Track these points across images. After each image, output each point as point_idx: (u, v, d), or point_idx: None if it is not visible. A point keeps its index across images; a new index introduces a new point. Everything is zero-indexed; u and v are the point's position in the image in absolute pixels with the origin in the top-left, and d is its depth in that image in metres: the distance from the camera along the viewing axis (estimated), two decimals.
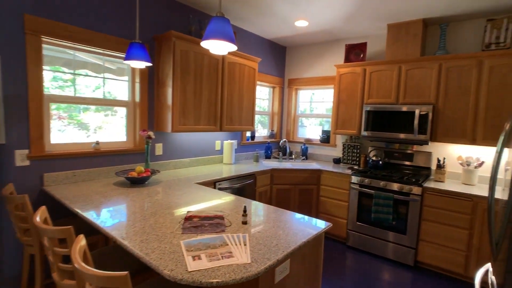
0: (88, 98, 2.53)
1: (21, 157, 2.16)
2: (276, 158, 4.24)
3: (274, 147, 4.56)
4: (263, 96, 4.46)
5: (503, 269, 1.55)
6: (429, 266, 2.84)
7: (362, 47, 3.53)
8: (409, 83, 3.09)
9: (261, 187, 3.40)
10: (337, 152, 4.06)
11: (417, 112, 2.94)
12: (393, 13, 2.94)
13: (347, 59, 3.64)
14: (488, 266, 1.88)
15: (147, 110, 2.86)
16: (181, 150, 3.25)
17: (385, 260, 3.04)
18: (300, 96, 4.58)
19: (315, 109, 4.43)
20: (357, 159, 3.73)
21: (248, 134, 4.14)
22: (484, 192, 2.56)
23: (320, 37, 3.93)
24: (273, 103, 4.58)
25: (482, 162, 2.79)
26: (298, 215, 1.79)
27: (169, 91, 2.72)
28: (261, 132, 4.52)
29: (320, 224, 1.66)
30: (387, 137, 3.19)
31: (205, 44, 1.76)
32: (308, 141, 4.33)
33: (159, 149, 3.03)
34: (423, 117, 2.93)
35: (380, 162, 3.38)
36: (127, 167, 2.75)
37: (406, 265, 2.93)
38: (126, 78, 2.79)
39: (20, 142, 2.13)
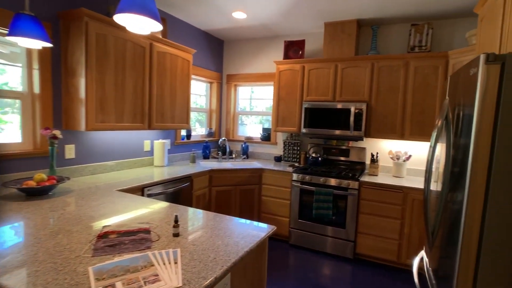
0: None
1: None
2: (215, 158, 3.98)
3: (213, 146, 4.28)
4: (200, 92, 4.15)
5: (437, 255, 1.57)
6: (367, 257, 2.93)
7: (300, 44, 3.51)
8: (345, 81, 3.17)
9: (198, 190, 3.09)
10: (278, 150, 3.99)
11: (352, 109, 3.02)
12: (329, 12, 2.97)
13: (286, 56, 3.59)
14: (422, 253, 1.95)
15: (52, 104, 2.31)
16: (100, 152, 2.74)
17: (326, 255, 3.05)
18: (239, 93, 4.39)
19: (255, 107, 4.30)
20: (298, 156, 3.71)
21: (184, 133, 3.78)
22: (413, 184, 2.74)
23: (259, 32, 3.81)
24: (211, 99, 4.30)
25: (410, 156, 3.00)
26: (240, 220, 1.57)
27: (82, 82, 2.24)
28: (199, 130, 4.20)
29: (263, 229, 1.47)
30: (325, 134, 3.21)
31: (119, 19, 1.41)
32: (249, 140, 4.17)
33: (70, 151, 2.49)
34: (358, 114, 3.02)
35: (319, 159, 3.40)
36: (26, 175, 2.17)
37: (346, 258, 2.97)
38: (20, 64, 2.19)
39: None
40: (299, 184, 3.16)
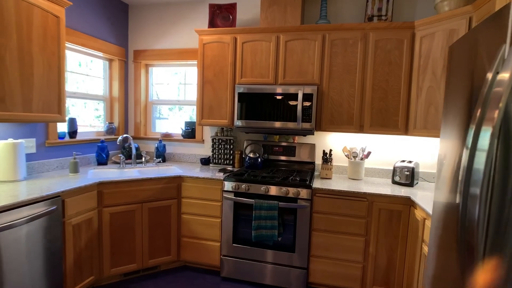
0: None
1: None
2: (117, 163, 2.84)
3: (114, 147, 3.11)
4: (95, 72, 2.94)
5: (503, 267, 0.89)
6: (324, 287, 2.24)
7: (230, 9, 2.66)
8: (289, 58, 2.43)
9: (77, 216, 1.98)
10: (206, 150, 3.07)
11: (300, 94, 2.30)
12: None
13: (212, 24, 2.70)
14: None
15: None
16: None
17: None
18: (153, 75, 3.31)
19: (185, 95, 3.28)
20: (231, 157, 2.85)
21: (63, 128, 2.55)
22: (377, 188, 2.14)
23: None
24: (111, 83, 3.12)
25: (369, 153, 2.42)
26: None
27: None
28: (98, 126, 2.99)
29: None
30: (265, 127, 2.43)
31: None
32: (167, 137, 3.14)
33: None
34: (307, 101, 2.31)
35: (259, 160, 2.61)
36: None
37: None
38: None
39: None
40: (232, 196, 2.30)
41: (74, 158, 2.32)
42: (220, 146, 2.86)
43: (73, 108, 2.76)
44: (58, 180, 2.10)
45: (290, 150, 2.70)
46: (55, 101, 2.11)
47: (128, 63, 3.24)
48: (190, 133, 3.07)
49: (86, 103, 2.88)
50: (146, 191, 2.33)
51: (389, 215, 2.02)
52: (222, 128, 2.88)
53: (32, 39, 1.93)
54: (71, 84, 2.68)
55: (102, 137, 2.88)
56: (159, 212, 2.41)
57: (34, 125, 2.28)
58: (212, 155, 2.89)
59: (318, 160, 2.74)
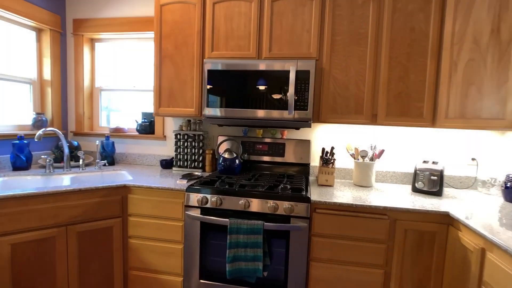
0: None
1: None
2: (44, 167, 2.08)
3: (45, 146, 2.35)
4: (13, 46, 2.17)
5: None
6: None
7: None
8: (277, 23, 1.80)
9: None
10: (169, 149, 2.38)
11: (292, 72, 1.67)
12: None
13: None
14: None
15: None
16: None
17: None
18: (101, 54, 2.58)
19: (143, 81, 2.55)
20: (201, 158, 2.18)
21: None
22: (396, 200, 1.56)
23: None
24: (41, 61, 2.35)
25: (382, 151, 1.84)
26: None
27: None
28: (20, 117, 2.21)
29: None
30: (245, 118, 1.79)
31: None
32: (118, 133, 2.42)
33: None
34: (301, 81, 1.69)
35: (237, 162, 1.96)
36: None
37: None
38: None
39: None
40: (198, 214, 1.64)
41: None
42: (186, 143, 2.18)
43: None
44: None
45: (278, 149, 2.07)
46: None
47: (67, 36, 2.48)
48: (147, 127, 2.37)
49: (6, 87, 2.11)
50: (74, 208, 1.62)
51: (419, 238, 1.44)
52: (189, 120, 2.21)
53: None
54: None
55: (22, 133, 2.12)
56: (95, 236, 1.70)
57: None
58: (176, 155, 2.20)
59: (314, 161, 2.13)
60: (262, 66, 1.74)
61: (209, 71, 1.82)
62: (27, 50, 2.28)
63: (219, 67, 1.80)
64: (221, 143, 2.02)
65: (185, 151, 2.18)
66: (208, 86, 1.83)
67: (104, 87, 2.56)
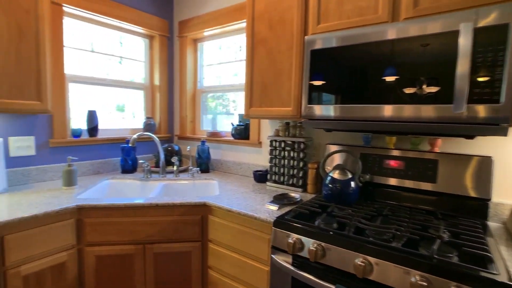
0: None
1: None
2: (154, 172, 2.03)
3: (148, 149, 2.38)
4: (133, 54, 2.27)
5: None
6: None
7: None
8: None
9: (35, 260, 1.21)
10: (265, 158, 1.96)
11: (465, 34, 0.90)
12: None
13: None
14: None
15: None
16: None
17: None
18: (203, 54, 2.44)
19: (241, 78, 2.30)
20: (302, 173, 1.64)
21: (78, 124, 1.93)
22: None
23: None
24: (152, 68, 2.40)
25: None
26: None
27: None
28: (134, 121, 2.32)
29: None
30: (368, 119, 1.13)
31: None
32: (214, 137, 2.19)
33: None
34: (484, 50, 0.90)
35: (353, 185, 1.31)
36: None
37: None
38: None
39: None
40: (289, 264, 1.11)
41: (69, 165, 1.61)
42: (283, 153, 1.70)
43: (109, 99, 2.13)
44: (42, 196, 1.41)
45: (424, 168, 1.29)
46: (31, 84, 1.42)
47: (173, 39, 2.46)
48: (242, 131, 2.03)
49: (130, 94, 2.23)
50: (151, 225, 1.41)
51: None
52: (287, 123, 1.71)
53: None
54: (100, 68, 2.04)
55: (128, 136, 2.16)
56: (173, 260, 1.45)
57: (31, 119, 1.68)
58: (271, 167, 1.75)
59: (500, 196, 1.22)
60: (399, 32, 1.05)
61: (313, 52, 1.27)
62: (141, 57, 2.35)
63: (328, 44, 1.22)
64: (329, 155, 1.42)
65: (282, 162, 1.70)
66: (310, 73, 1.27)
67: (206, 88, 2.40)
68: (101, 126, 2.09)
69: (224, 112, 2.35)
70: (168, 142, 2.47)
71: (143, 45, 2.36)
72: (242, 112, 2.15)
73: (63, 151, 1.84)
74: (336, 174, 1.33)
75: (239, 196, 1.52)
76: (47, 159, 1.77)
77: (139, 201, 1.41)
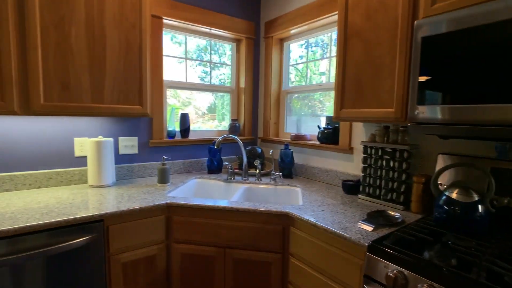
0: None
1: None
2: (237, 174, 2.05)
3: (232, 151, 2.42)
4: (221, 59, 2.36)
5: None
6: None
7: None
8: None
9: (129, 251, 1.34)
10: (357, 167, 1.73)
11: None
12: None
13: None
14: None
15: None
16: None
17: None
18: (289, 54, 2.35)
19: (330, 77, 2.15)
20: (404, 187, 1.36)
21: (172, 127, 2.09)
22: None
23: None
24: (238, 71, 2.44)
25: None
26: None
27: None
28: (222, 123, 2.42)
29: None
30: (509, 123, 0.82)
31: None
32: (298, 141, 2.07)
33: None
34: None
35: (480, 210, 0.99)
36: None
37: None
38: None
39: None
40: None
41: (163, 164, 1.75)
42: (380, 162, 1.45)
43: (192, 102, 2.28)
44: (139, 191, 1.57)
45: None
46: (134, 90, 1.59)
47: (259, 41, 2.45)
48: (330, 135, 1.84)
49: (219, 96, 2.34)
50: (233, 229, 1.39)
51: None
52: (386, 127, 1.46)
53: (105, 9, 1.46)
54: (192, 73, 2.19)
55: (215, 138, 2.24)
56: (251, 269, 1.39)
57: (136, 121, 1.90)
58: (364, 178, 1.52)
59: None
60: None
61: (426, 40, 1.01)
62: (228, 61, 2.42)
63: (447, 28, 0.95)
64: (444, 169, 1.12)
65: (378, 173, 1.45)
66: (421, 67, 1.02)
67: (291, 89, 2.30)
68: (192, 127, 2.23)
69: (310, 113, 2.20)
70: (251, 145, 2.47)
71: (231, 49, 2.42)
72: (331, 114, 1.97)
73: (160, 150, 2.02)
74: (455, 194, 1.03)
75: (325, 208, 1.36)
76: (147, 157, 1.98)
77: (221, 204, 1.40)
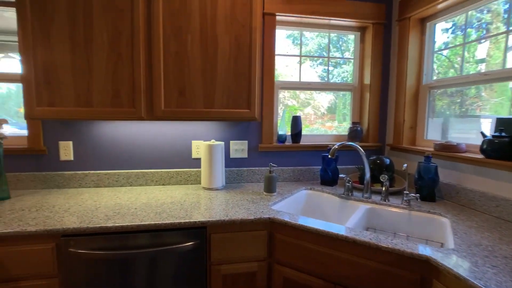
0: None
1: None
2: (357, 189, 1.71)
3: (355, 160, 2.03)
4: (341, 53, 2.05)
5: None
6: None
7: None
8: None
9: (230, 263, 1.25)
10: None
11: None
12: None
13: None
14: None
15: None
16: (114, 155, 1.72)
17: None
18: (434, 38, 1.78)
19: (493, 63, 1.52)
20: None
21: (283, 131, 1.95)
22: None
23: None
24: (363, 64, 2.05)
25: None
26: None
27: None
28: (340, 127, 2.12)
29: None
30: None
31: None
32: (446, 152, 1.50)
33: (66, 150, 1.66)
34: None
35: None
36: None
37: None
38: None
39: None
40: None
41: (270, 171, 1.61)
42: None
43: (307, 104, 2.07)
44: (245, 198, 1.50)
45: None
46: (243, 94, 1.52)
47: (392, 25, 1.98)
48: (504, 146, 1.22)
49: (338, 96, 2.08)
50: (347, 264, 1.08)
51: None
52: None
53: (217, 14, 1.45)
54: (308, 72, 2.00)
55: (330, 145, 1.93)
56: None
57: (246, 125, 1.86)
58: None
59: None
60: None
61: None
62: (350, 55, 2.07)
63: None
64: None
65: None
66: None
67: (434, 83, 1.73)
68: (309, 128, 2.02)
69: (460, 114, 1.58)
70: (376, 154, 2.03)
71: (353, 40, 2.06)
72: (500, 114, 1.33)
73: (269, 155, 1.91)
74: None
75: (498, 262, 0.86)
76: (256, 162, 1.90)
77: (333, 230, 1.12)
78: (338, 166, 1.95)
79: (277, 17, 1.83)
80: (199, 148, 1.81)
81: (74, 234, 1.15)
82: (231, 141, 1.84)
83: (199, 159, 1.83)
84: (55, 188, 1.66)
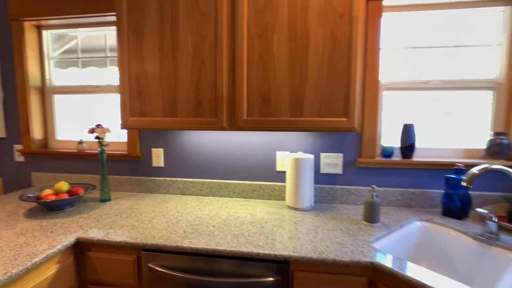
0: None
1: (17, 153, 1.95)
2: (504, 229, 1.20)
3: (500, 185, 1.45)
4: (470, 39, 1.52)
5: None
6: None
7: None
8: None
9: None
10: None
11: None
12: None
13: None
14: None
15: None
16: (199, 164, 1.71)
17: None
18: None
19: None
20: None
21: (387, 143, 1.56)
22: None
23: None
24: (510, 52, 1.46)
25: None
26: None
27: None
28: (471, 139, 1.58)
29: None
30: None
31: None
32: None
33: (157, 157, 1.75)
34: None
35: None
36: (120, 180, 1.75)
37: None
38: None
39: (16, 136, 1.94)
40: None
41: (372, 196, 1.27)
42: None
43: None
44: (338, 227, 1.22)
45: None
46: (339, 98, 1.23)
47: None
48: None
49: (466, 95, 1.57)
50: None
51: None
52: None
53: (309, 5, 1.22)
54: (421, 67, 1.55)
55: (459, 161, 1.42)
56: None
57: (341, 134, 1.56)
58: None
59: None
60: None
61: None
62: (488, 40, 1.51)
63: None
64: None
65: None
66: None
67: None
68: (419, 144, 1.57)
69: None
70: None
71: (497, 19, 1.48)
72: None
73: (370, 172, 1.55)
74: None
75: None
76: (352, 179, 1.57)
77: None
78: (470, 192, 1.44)
79: (384, 2, 1.46)
80: (284, 160, 1.61)
81: (153, 250, 1.11)
82: (321, 154, 1.57)
83: (284, 172, 1.62)
84: (147, 193, 1.74)
